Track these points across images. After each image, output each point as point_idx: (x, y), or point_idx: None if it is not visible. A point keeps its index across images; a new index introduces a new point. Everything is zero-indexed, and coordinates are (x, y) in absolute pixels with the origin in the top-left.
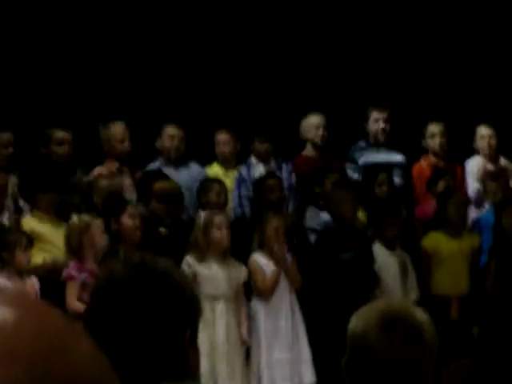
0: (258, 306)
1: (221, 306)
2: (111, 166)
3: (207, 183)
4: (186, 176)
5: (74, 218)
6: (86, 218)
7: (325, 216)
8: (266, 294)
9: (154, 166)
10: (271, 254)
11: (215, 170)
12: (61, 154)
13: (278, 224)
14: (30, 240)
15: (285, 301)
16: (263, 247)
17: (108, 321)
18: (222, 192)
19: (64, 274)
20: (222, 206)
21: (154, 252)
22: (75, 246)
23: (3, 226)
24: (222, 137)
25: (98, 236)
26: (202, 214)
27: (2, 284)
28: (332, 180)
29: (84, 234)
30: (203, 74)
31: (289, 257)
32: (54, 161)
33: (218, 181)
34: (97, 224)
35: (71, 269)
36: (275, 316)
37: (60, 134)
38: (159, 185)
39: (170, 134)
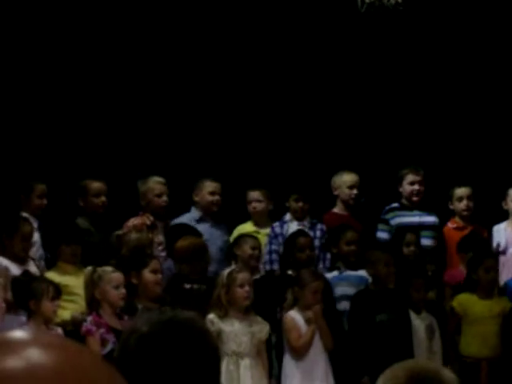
0: (291, 366)
1: (245, 363)
2: (145, 218)
3: (244, 237)
4: (219, 234)
5: (88, 270)
6: (100, 270)
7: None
8: (300, 353)
9: (187, 218)
10: (307, 314)
11: (247, 228)
12: (98, 205)
13: (317, 287)
14: (58, 289)
15: (320, 361)
16: (298, 305)
17: (135, 376)
18: (257, 247)
19: (83, 328)
20: (254, 261)
21: (181, 308)
22: (88, 299)
23: (31, 275)
24: (255, 195)
25: (112, 289)
26: (226, 270)
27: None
28: (345, 240)
29: (96, 287)
30: (240, 133)
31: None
32: (91, 212)
33: (253, 236)
34: (111, 277)
35: (89, 323)
36: (310, 377)
37: (96, 185)
38: (180, 243)
39: (212, 190)
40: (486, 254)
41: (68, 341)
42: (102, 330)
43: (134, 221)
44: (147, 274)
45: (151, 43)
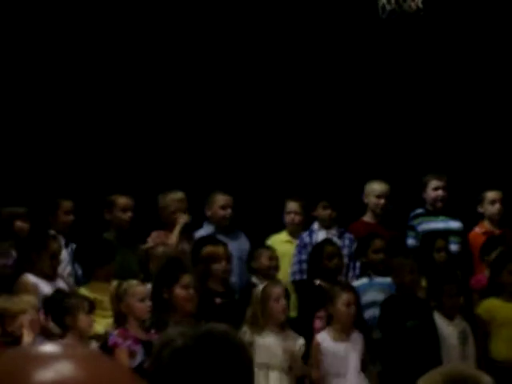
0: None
1: (275, 375)
2: (167, 233)
3: (258, 249)
4: (236, 245)
5: (113, 284)
6: (126, 284)
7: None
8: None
9: (205, 231)
10: (342, 331)
11: (282, 237)
12: (125, 220)
13: (349, 299)
14: (92, 304)
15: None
16: (331, 324)
17: None
18: (274, 257)
19: (110, 341)
20: (273, 271)
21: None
22: (115, 313)
23: (64, 292)
24: (294, 206)
25: (137, 302)
26: (260, 286)
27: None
28: (373, 248)
29: (122, 301)
30: (267, 142)
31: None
32: (118, 227)
33: (268, 247)
34: (136, 290)
35: (116, 336)
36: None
37: (123, 200)
38: (206, 250)
39: (223, 204)
40: (510, 258)
41: (98, 354)
42: (129, 342)
43: (156, 234)
44: (178, 290)
45: (167, 54)
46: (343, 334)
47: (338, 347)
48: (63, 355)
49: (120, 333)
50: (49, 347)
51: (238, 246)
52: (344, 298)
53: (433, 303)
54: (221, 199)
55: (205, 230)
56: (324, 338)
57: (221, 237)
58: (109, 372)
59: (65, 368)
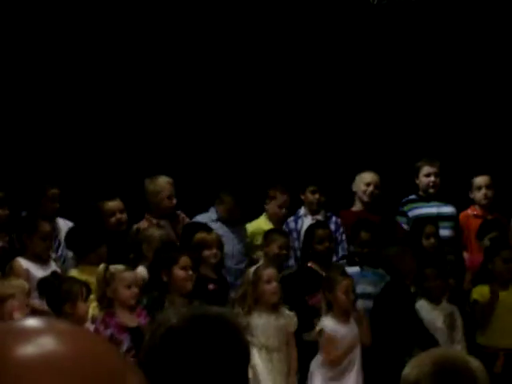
0: (319, 366)
1: (277, 356)
2: (152, 219)
3: (271, 234)
4: (236, 233)
5: (101, 267)
6: (113, 268)
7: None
8: (336, 364)
9: (208, 218)
10: (343, 317)
11: (262, 225)
12: (117, 223)
13: (347, 286)
14: (89, 289)
15: (350, 367)
16: (332, 310)
17: (165, 370)
18: (285, 245)
19: (93, 327)
20: (283, 258)
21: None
22: (99, 296)
23: (59, 276)
24: (286, 198)
25: (124, 289)
26: (251, 269)
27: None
28: (359, 240)
29: (108, 285)
30: (257, 128)
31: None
32: (114, 231)
33: (283, 234)
34: (124, 276)
35: (98, 323)
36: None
37: (110, 205)
38: (198, 236)
39: (230, 207)
40: (503, 245)
41: (82, 329)
42: (111, 330)
43: (140, 223)
44: (177, 271)
45: (159, 46)
46: (343, 318)
47: (341, 330)
48: (46, 329)
49: (103, 319)
50: (31, 321)
51: (239, 234)
52: (343, 284)
53: (418, 288)
54: (230, 202)
55: (208, 216)
56: (327, 323)
57: (223, 225)
58: (92, 346)
59: (47, 342)
